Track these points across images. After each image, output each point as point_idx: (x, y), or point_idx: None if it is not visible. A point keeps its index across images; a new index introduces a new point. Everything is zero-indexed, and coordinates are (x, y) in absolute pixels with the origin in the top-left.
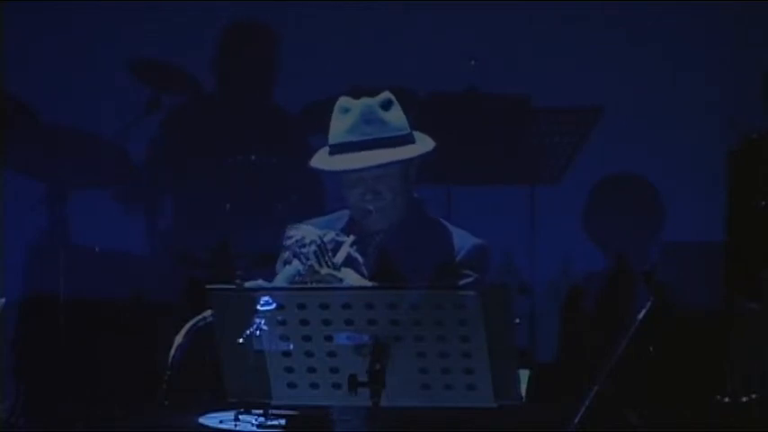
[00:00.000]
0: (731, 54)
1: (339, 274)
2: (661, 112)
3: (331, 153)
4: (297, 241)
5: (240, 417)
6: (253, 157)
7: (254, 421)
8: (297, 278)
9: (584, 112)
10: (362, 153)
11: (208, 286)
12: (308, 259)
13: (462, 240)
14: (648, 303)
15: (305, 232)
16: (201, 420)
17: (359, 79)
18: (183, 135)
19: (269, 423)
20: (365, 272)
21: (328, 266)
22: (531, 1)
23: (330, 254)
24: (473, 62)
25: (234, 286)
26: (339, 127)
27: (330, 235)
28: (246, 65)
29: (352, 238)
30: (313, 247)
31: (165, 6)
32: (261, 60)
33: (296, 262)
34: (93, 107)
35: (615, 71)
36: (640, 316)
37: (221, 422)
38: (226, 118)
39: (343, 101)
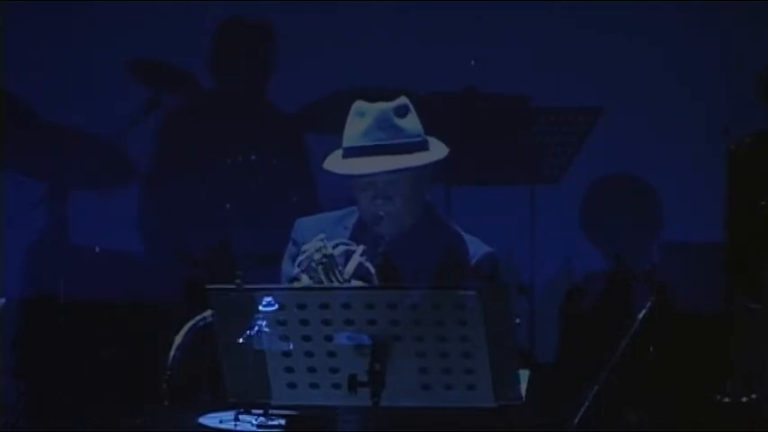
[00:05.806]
0: (731, 54)
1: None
2: (661, 113)
3: (344, 156)
4: (307, 257)
5: (240, 417)
6: (253, 157)
7: (254, 421)
8: None
9: (584, 112)
10: (375, 158)
11: (208, 286)
12: (317, 273)
13: (475, 248)
14: (648, 303)
15: (315, 247)
16: (201, 420)
17: (358, 79)
18: (183, 135)
19: (269, 423)
20: (377, 281)
21: (338, 281)
22: (531, 1)
23: (340, 267)
24: (473, 62)
25: (234, 286)
26: (353, 130)
27: (340, 249)
28: (245, 64)
29: (362, 247)
30: (321, 264)
31: (164, 6)
32: (259, 60)
33: (305, 278)
34: (93, 107)
35: (615, 71)
36: (640, 316)
37: (221, 422)
38: (225, 118)
39: (359, 105)
